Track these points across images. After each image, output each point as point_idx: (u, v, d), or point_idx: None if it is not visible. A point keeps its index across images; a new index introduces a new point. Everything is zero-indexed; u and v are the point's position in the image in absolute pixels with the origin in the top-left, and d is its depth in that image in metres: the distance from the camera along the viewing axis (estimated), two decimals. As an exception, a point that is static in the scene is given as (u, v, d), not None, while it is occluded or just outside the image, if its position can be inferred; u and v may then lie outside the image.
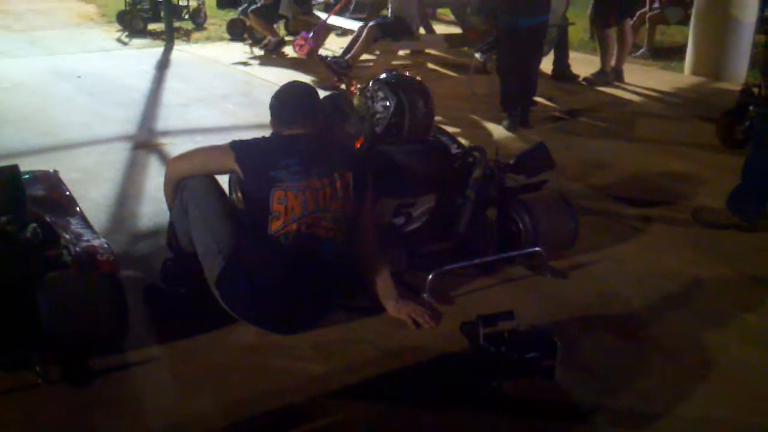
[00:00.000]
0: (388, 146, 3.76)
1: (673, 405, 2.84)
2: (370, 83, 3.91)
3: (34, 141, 5.81)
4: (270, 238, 3.12)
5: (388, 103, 3.77)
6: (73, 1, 14.02)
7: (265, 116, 3.47)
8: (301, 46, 8.62)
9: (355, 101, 3.97)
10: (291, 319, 3.23)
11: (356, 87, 6.86)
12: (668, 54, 9.48)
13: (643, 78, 8.24)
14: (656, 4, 9.45)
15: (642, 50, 9.44)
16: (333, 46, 9.43)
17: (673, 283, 3.79)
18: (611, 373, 3.04)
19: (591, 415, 2.79)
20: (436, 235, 3.82)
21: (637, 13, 9.24)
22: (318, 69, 8.20)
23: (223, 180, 3.74)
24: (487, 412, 2.78)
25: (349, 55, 8.02)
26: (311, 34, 8.59)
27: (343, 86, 7.50)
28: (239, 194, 4.08)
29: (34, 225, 3.10)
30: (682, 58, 8.80)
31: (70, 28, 11.50)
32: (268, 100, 3.44)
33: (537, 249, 3.77)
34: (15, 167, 3.36)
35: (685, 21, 9.17)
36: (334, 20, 8.97)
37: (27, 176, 3.65)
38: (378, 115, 3.79)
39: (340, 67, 7.84)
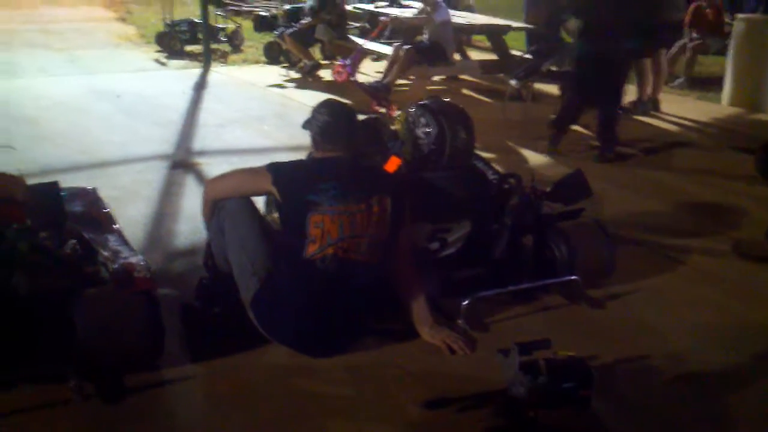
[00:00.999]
0: (427, 172, 3.75)
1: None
2: (413, 108, 3.91)
3: (73, 158, 5.89)
4: (306, 261, 3.11)
5: (429, 130, 3.76)
6: (113, 22, 14.29)
7: (300, 138, 3.48)
8: (339, 72, 8.67)
9: (396, 125, 3.97)
10: (324, 342, 3.21)
11: (394, 111, 6.89)
12: (705, 84, 9.40)
13: (679, 108, 8.17)
14: (695, 34, 9.39)
15: (680, 80, 9.36)
16: (368, 71, 9.47)
17: (712, 316, 3.72)
18: (647, 405, 2.98)
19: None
20: (472, 262, 3.80)
21: (677, 44, 9.16)
22: (353, 92, 8.23)
23: (259, 200, 3.74)
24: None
25: (387, 79, 8.06)
26: (349, 60, 8.63)
27: (382, 110, 7.52)
28: (275, 215, 4.09)
29: (73, 241, 3.13)
30: (720, 89, 8.72)
31: (110, 48, 11.69)
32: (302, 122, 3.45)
33: (573, 278, 3.73)
34: (55, 184, 3.40)
35: (723, 51, 9.11)
36: (370, 45, 9.03)
37: (66, 193, 3.68)
38: (419, 141, 3.79)
39: (379, 91, 7.87)
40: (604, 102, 6.40)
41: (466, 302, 3.49)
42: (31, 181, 3.43)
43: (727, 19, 9.58)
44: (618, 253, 3.94)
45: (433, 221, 3.72)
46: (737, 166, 6.19)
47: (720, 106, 8.49)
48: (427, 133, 3.77)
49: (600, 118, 6.48)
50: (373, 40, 9.07)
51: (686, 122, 7.72)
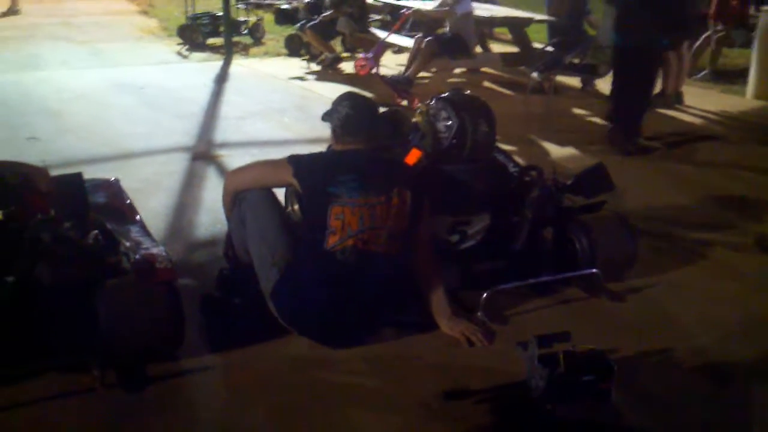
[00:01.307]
0: (447, 165, 3.75)
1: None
2: (433, 101, 3.90)
3: (96, 150, 5.93)
4: (326, 252, 3.12)
5: (450, 123, 3.75)
6: (135, 14, 14.35)
7: (321, 130, 3.49)
8: (362, 66, 8.66)
9: (417, 118, 3.96)
10: (344, 333, 3.23)
11: (417, 103, 6.88)
12: (730, 77, 9.30)
13: (703, 101, 8.09)
14: (719, 26, 9.29)
15: (704, 72, 9.27)
16: (389, 63, 9.45)
17: (734, 310, 3.69)
18: (667, 399, 2.97)
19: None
20: (492, 254, 3.79)
21: (702, 36, 9.07)
22: (374, 85, 8.23)
23: (279, 193, 3.75)
24: (541, 435, 2.74)
25: (409, 72, 8.05)
26: (371, 53, 8.62)
27: (404, 103, 7.52)
28: (296, 207, 4.11)
29: (96, 232, 3.15)
30: (745, 82, 8.63)
31: (132, 41, 11.75)
32: (322, 114, 3.45)
33: (594, 271, 3.71)
34: (79, 175, 3.43)
35: (748, 43, 9.01)
36: (391, 38, 9.01)
37: (89, 184, 3.71)
38: (440, 134, 3.78)
39: (401, 84, 7.86)
40: (638, 93, 6.39)
41: (486, 294, 3.48)
42: (54, 173, 3.46)
43: (752, 11, 9.46)
44: (639, 246, 3.91)
45: (453, 214, 3.71)
46: (761, 160, 6.14)
47: (744, 99, 8.40)
48: (448, 127, 3.76)
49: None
50: (395, 32, 9.05)
51: (710, 115, 7.65)
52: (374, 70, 8.50)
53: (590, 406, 2.84)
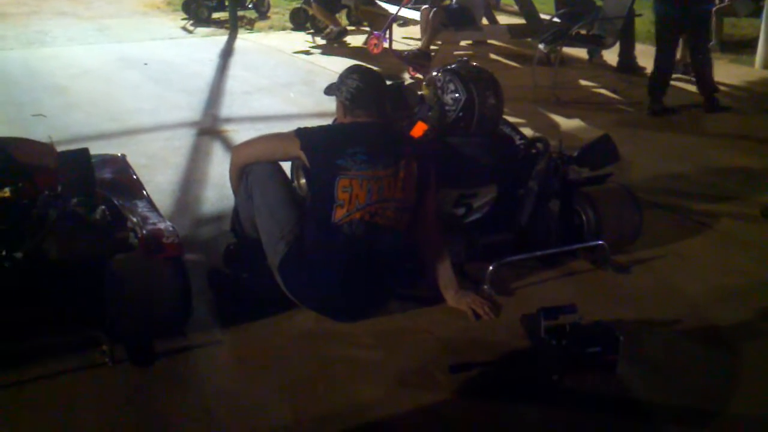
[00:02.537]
0: (454, 138, 3.74)
1: (736, 403, 2.79)
2: (440, 72, 3.87)
3: (102, 126, 5.94)
4: (334, 226, 3.13)
5: (458, 95, 3.72)
6: (140, -11, 14.27)
7: (327, 104, 3.48)
8: (375, 44, 8.60)
9: (424, 90, 3.94)
10: (351, 307, 3.24)
11: (415, 74, 6.87)
12: (738, 47, 9.23)
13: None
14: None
15: (711, 43, 9.18)
16: (396, 36, 9.38)
17: (739, 281, 3.70)
18: (673, 369, 2.98)
19: (652, 411, 2.75)
20: (498, 227, 3.80)
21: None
22: (380, 58, 8.20)
23: (285, 166, 3.76)
24: (547, 406, 2.76)
25: (422, 45, 8.00)
26: (383, 32, 8.57)
27: (419, 76, 7.47)
28: (302, 181, 4.12)
29: (103, 207, 3.16)
30: (753, 52, 8.56)
31: (137, 16, 11.71)
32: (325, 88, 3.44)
33: (600, 242, 3.71)
34: (85, 150, 3.42)
35: (756, 13, 8.92)
36: (398, 11, 8.94)
37: (96, 160, 3.71)
38: (447, 107, 3.75)
39: (418, 57, 7.81)
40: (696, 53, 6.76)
41: (492, 267, 3.49)
42: (61, 149, 3.46)
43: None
44: (645, 217, 3.91)
45: (459, 186, 3.71)
46: (769, 130, 6.11)
47: (753, 69, 8.35)
48: (455, 99, 3.73)
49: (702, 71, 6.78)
50: (404, 6, 8.98)
51: (718, 86, 7.59)
52: (387, 46, 8.46)
53: (596, 378, 2.86)
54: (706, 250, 4.02)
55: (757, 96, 7.38)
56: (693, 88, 7.28)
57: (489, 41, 9.48)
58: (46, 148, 3.51)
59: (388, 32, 8.55)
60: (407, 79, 7.47)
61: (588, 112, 6.59)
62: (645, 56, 8.19)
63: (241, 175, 3.40)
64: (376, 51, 8.58)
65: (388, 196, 3.17)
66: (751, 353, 3.11)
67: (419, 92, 4.06)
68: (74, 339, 2.96)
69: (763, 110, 6.80)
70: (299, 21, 10.40)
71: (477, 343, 3.12)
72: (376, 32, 8.78)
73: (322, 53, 9.02)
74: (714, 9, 9.03)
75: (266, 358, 3.02)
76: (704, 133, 6.17)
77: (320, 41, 9.56)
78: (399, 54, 8.24)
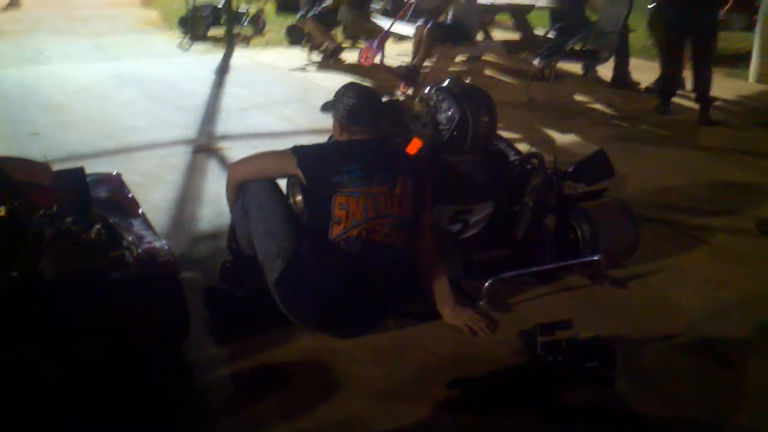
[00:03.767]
0: (448, 156, 3.74)
1: (733, 417, 2.79)
2: (433, 91, 3.89)
3: (98, 144, 5.94)
4: (330, 243, 3.13)
5: (451, 114, 3.73)
6: (137, 7, 14.34)
7: (323, 121, 3.49)
8: (367, 57, 8.65)
9: (418, 107, 3.95)
10: (348, 324, 3.24)
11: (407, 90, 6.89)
12: (732, 61, 9.27)
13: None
14: (720, 10, 9.24)
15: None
16: (391, 52, 9.43)
17: (735, 295, 3.70)
18: (670, 383, 2.98)
19: (649, 426, 2.75)
20: (493, 243, 3.80)
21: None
22: (375, 75, 8.22)
23: (281, 183, 3.76)
24: (544, 422, 2.75)
25: (415, 61, 8.04)
26: (376, 44, 8.61)
27: (410, 92, 7.50)
28: (298, 198, 4.12)
29: (98, 226, 3.16)
30: (747, 65, 8.61)
31: (134, 33, 11.75)
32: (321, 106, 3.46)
33: (596, 258, 3.72)
34: (80, 170, 3.44)
35: (750, 27, 8.97)
36: (394, 26, 8.99)
37: (91, 178, 3.72)
38: (440, 126, 3.76)
39: (409, 72, 7.85)
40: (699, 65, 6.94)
41: (488, 283, 3.49)
42: (57, 167, 3.47)
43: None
44: (641, 232, 3.92)
45: (455, 203, 3.71)
46: (763, 144, 6.14)
47: (747, 83, 8.40)
48: (449, 118, 3.74)
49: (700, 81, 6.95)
50: (398, 20, 9.03)
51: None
52: (379, 61, 8.49)
53: (593, 393, 2.86)
54: (701, 264, 4.03)
55: (752, 110, 7.41)
56: (688, 102, 7.32)
57: (484, 57, 9.51)
58: (42, 167, 3.51)
59: (380, 46, 8.58)
60: (399, 95, 7.49)
61: (583, 126, 6.62)
62: (640, 71, 8.25)
63: (237, 192, 3.40)
64: (366, 63, 8.62)
65: (385, 213, 3.17)
66: (748, 367, 3.11)
67: (413, 109, 4.07)
68: (68, 355, 2.93)
69: (757, 124, 6.83)
70: (295, 37, 10.44)
71: (474, 359, 3.12)
72: (367, 44, 8.81)
73: (318, 70, 9.05)
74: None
75: (263, 375, 3.01)
76: (699, 147, 6.20)
77: (316, 58, 9.59)
78: (389, 68, 8.26)
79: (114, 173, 4.03)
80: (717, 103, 7.09)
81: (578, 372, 2.86)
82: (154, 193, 4.86)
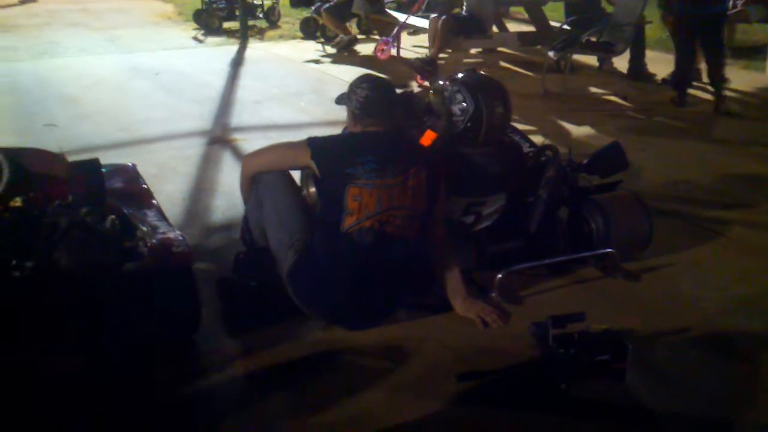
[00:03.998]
0: (462, 147, 3.73)
1: (746, 411, 2.78)
2: (447, 82, 3.87)
3: (113, 136, 5.98)
4: (343, 234, 3.13)
5: (465, 105, 3.71)
6: (152, 0, 14.35)
7: (337, 113, 3.49)
8: (383, 50, 8.64)
9: (432, 99, 3.94)
10: (360, 315, 3.24)
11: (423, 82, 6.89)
12: (749, 53, 9.19)
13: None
14: (738, 2, 9.17)
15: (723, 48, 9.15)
16: (406, 44, 9.41)
17: (750, 288, 3.68)
18: (683, 378, 2.97)
19: (661, 421, 2.74)
20: (507, 234, 3.79)
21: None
22: (389, 67, 8.21)
23: (295, 175, 3.76)
24: (555, 415, 2.75)
25: (431, 53, 8.02)
26: (391, 38, 8.60)
27: (426, 84, 7.49)
28: (311, 190, 4.12)
29: (113, 217, 3.17)
30: (764, 57, 8.53)
31: (148, 26, 11.78)
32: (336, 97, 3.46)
33: (609, 250, 3.70)
34: (95, 161, 3.44)
35: (766, 19, 8.89)
36: (408, 19, 8.96)
37: (106, 169, 3.73)
38: (455, 118, 3.74)
39: (425, 64, 7.83)
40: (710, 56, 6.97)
41: (501, 275, 3.49)
42: (72, 159, 3.48)
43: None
44: (655, 225, 3.90)
45: (468, 194, 3.71)
46: (779, 137, 6.09)
47: (764, 75, 8.32)
48: (463, 110, 3.72)
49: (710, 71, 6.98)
50: (413, 14, 9.00)
51: (729, 92, 7.55)
52: (395, 53, 8.47)
53: (605, 386, 2.85)
54: (716, 257, 4.00)
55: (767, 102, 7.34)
56: (705, 94, 7.27)
57: (499, 49, 9.48)
58: (57, 158, 3.54)
59: (396, 39, 8.57)
60: (415, 87, 7.48)
61: (598, 118, 6.58)
62: (655, 63, 8.19)
63: (251, 184, 3.42)
64: (382, 57, 8.62)
65: (398, 205, 3.17)
66: (762, 362, 3.09)
67: (427, 101, 4.06)
68: (82, 346, 2.95)
69: (773, 117, 6.78)
70: (310, 30, 10.44)
71: (485, 352, 3.12)
72: (384, 38, 8.80)
73: (332, 62, 9.05)
74: (729, 14, 9.03)
75: (275, 367, 3.02)
76: (715, 140, 6.15)
77: (330, 50, 9.59)
78: (405, 60, 8.26)
79: (129, 164, 4.04)
80: (732, 94, 7.03)
81: (590, 365, 2.85)
82: (168, 184, 4.88)
